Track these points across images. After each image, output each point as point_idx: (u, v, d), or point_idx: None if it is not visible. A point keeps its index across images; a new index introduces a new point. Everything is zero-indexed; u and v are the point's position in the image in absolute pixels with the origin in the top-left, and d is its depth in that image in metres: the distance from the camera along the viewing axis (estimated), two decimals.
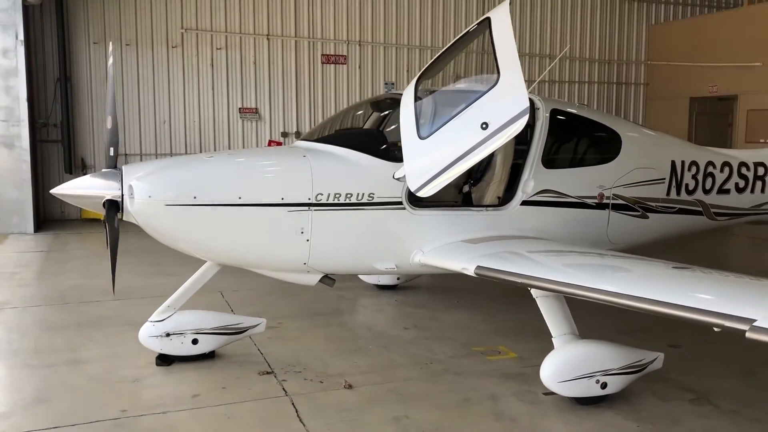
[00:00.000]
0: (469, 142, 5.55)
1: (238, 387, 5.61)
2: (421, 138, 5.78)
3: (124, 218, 5.62)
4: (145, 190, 5.42)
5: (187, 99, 16.06)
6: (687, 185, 7.62)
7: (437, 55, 6.36)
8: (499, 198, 6.63)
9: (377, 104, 7.47)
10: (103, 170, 5.71)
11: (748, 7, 18.39)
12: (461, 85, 6.15)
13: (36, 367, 6.08)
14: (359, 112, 7.27)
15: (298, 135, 16.89)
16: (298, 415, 5.07)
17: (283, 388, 5.57)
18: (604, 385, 5.25)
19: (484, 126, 5.51)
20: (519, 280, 5.12)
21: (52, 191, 5.79)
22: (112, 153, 5.71)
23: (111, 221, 5.48)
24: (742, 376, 5.97)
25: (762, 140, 16.42)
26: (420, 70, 6.27)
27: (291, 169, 5.85)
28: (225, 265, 6.14)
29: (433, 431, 4.84)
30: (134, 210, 5.46)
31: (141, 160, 15.71)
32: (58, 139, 15.07)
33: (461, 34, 6.20)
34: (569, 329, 5.53)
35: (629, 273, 5.18)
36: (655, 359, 5.50)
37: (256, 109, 16.61)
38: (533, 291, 5.68)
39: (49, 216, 15.10)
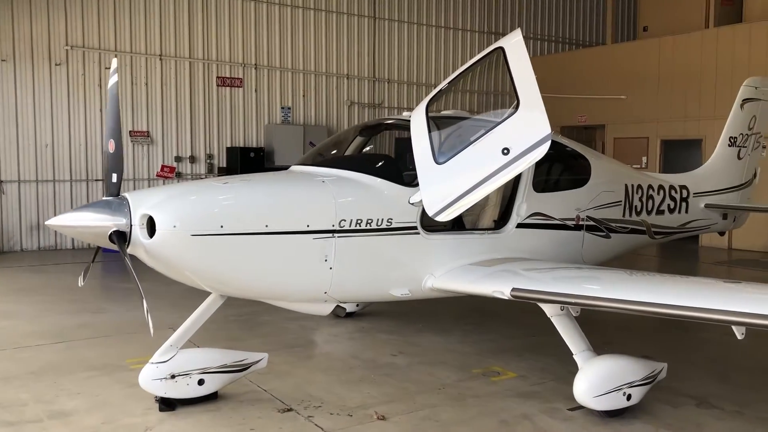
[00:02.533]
0: (490, 167, 5.67)
1: (267, 428, 5.27)
2: (438, 163, 5.83)
3: (130, 251, 5.12)
4: (170, 220, 4.98)
5: (73, 121, 14.85)
6: (636, 207, 8.26)
7: (445, 82, 6.43)
8: (494, 221, 6.81)
9: (371, 129, 7.42)
10: (105, 198, 5.18)
11: (612, 46, 20.27)
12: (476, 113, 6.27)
13: (17, 425, 5.31)
14: (352, 138, 7.15)
15: (192, 159, 16.20)
16: None
17: (318, 425, 5.31)
18: (629, 397, 5.54)
19: (505, 152, 5.66)
20: (561, 300, 5.28)
21: (47, 223, 5.15)
22: (114, 179, 5.20)
23: (125, 254, 4.98)
24: (722, 380, 6.55)
25: (631, 165, 18.10)
26: (427, 96, 6.31)
27: (314, 196, 5.64)
28: (240, 297, 5.76)
29: None
30: (154, 241, 5.00)
31: (19, 186, 14.30)
32: None
33: (470, 62, 6.32)
34: (586, 345, 5.80)
35: (664, 286, 5.49)
36: (662, 369, 5.89)
37: (148, 132, 15.70)
38: (549, 311, 5.89)
39: None
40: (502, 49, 5.94)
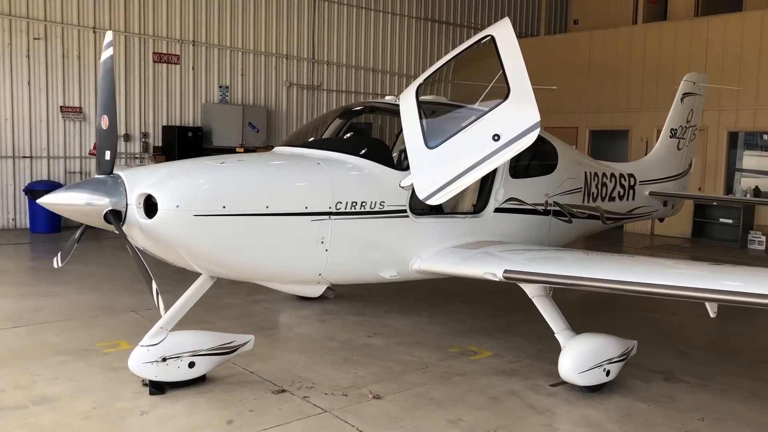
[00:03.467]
0: (481, 152, 5.84)
1: (267, 409, 5.26)
2: (429, 148, 5.94)
3: (126, 231, 4.98)
4: (172, 199, 4.87)
5: None
6: (593, 194, 8.66)
7: (433, 68, 6.51)
8: (473, 206, 6.99)
9: (353, 112, 7.40)
10: (99, 177, 5.00)
11: (545, 38, 20.90)
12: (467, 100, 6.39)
13: (0, 411, 5.07)
14: (332, 120, 7.12)
15: (126, 138, 15.63)
16: (359, 430, 4.93)
17: (316, 405, 5.34)
18: (608, 373, 5.87)
19: (496, 138, 5.84)
20: (554, 280, 5.52)
21: (39, 201, 4.93)
22: (108, 157, 5.04)
23: (124, 233, 4.84)
24: (680, 356, 7.01)
25: None
26: (416, 80, 6.37)
27: (312, 178, 5.63)
28: (233, 279, 5.69)
29: (493, 430, 5.04)
30: (155, 221, 4.87)
31: None
32: None
33: (459, 49, 6.42)
34: (565, 324, 6.09)
35: (653, 266, 5.77)
36: (634, 347, 6.26)
37: (80, 108, 15.00)
38: (531, 291, 6.14)
39: None
40: (492, 37, 6.08)
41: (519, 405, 5.55)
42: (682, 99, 10.70)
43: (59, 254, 5.54)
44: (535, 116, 5.81)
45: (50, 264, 5.71)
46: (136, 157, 15.82)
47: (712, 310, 5.48)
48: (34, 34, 14.26)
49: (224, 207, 5.05)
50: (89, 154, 14.99)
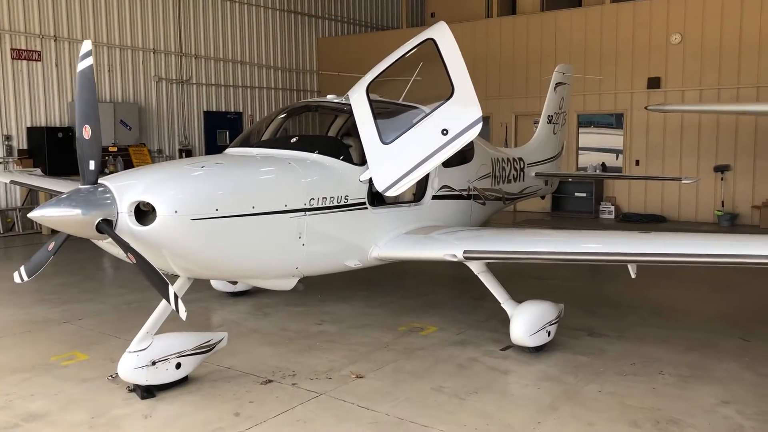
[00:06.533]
0: (431, 146, 6.45)
1: (264, 398, 5.53)
2: (384, 143, 6.46)
3: (107, 240, 5.04)
4: (171, 205, 4.99)
5: None
6: (497, 177, 9.57)
7: (377, 70, 6.91)
8: (413, 195, 7.57)
9: (297, 110, 7.65)
10: (85, 187, 5.01)
11: (406, 30, 21.80)
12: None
13: None
14: (275, 117, 7.35)
15: None
16: (360, 407, 5.37)
17: (309, 390, 5.70)
18: (549, 334, 6.73)
19: (444, 132, 6.46)
20: (513, 257, 6.26)
21: (30, 215, 4.85)
22: (92, 167, 5.05)
23: (122, 242, 4.90)
24: (591, 315, 8.07)
25: None
26: (362, 82, 6.79)
27: (288, 177, 5.91)
28: (218, 278, 5.85)
29: (474, 392, 5.68)
30: (152, 228, 4.98)
31: None
32: None
33: (401, 52, 6.89)
34: (508, 295, 6.89)
35: (587, 237, 6.67)
36: (562, 309, 7.18)
37: None
38: (476, 268, 6.86)
39: None
40: (433, 40, 6.66)
41: (484, 369, 6.25)
42: (555, 88, 11.95)
43: (22, 268, 5.42)
44: (478, 112, 6.48)
45: None
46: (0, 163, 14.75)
47: (632, 270, 6.46)
48: None
49: (217, 210, 5.23)
50: None
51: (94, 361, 6.48)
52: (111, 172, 15.69)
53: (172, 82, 18.10)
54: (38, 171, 13.34)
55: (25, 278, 5.40)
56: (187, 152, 18.34)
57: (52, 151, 14.73)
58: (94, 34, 16.22)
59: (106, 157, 16.17)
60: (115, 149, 16.02)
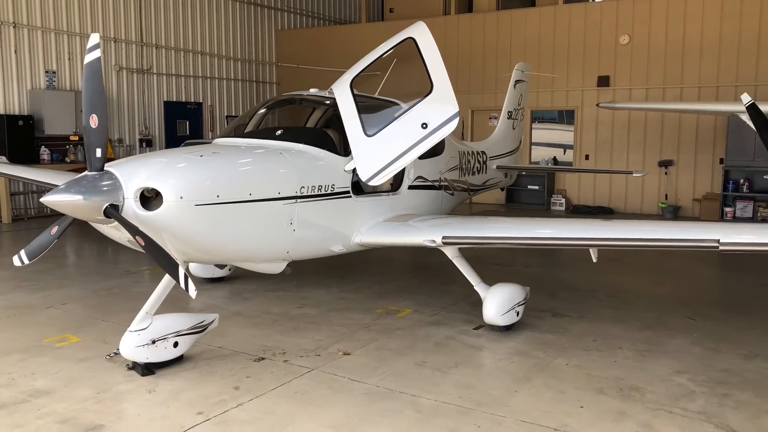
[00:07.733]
0: (412, 138, 6.90)
1: (260, 374, 5.89)
2: (368, 136, 6.88)
3: (111, 225, 5.32)
4: (176, 191, 5.30)
5: None
6: (464, 169, 10.09)
7: (359, 67, 7.28)
8: (391, 184, 8.00)
9: (279, 103, 7.96)
10: (92, 173, 5.27)
11: (365, 25, 22.18)
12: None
13: (6, 407, 5.17)
14: (258, 109, 7.67)
15: None
16: (351, 380, 5.78)
17: (301, 366, 6.08)
18: (518, 314, 7.27)
19: (424, 126, 6.92)
20: (488, 242, 6.75)
21: (42, 200, 5.09)
22: (99, 154, 5.31)
23: (130, 225, 5.18)
24: (552, 298, 8.67)
25: None
26: (344, 78, 7.17)
27: (280, 165, 6.27)
28: (214, 262, 6.15)
29: (454, 366, 6.17)
30: (158, 213, 5.27)
31: None
32: None
33: (381, 50, 7.29)
34: (479, 278, 7.40)
35: (554, 224, 7.19)
36: (528, 292, 7.73)
37: None
38: (450, 254, 7.35)
39: None
40: (413, 39, 7.09)
41: (460, 346, 6.74)
42: (514, 85, 12.54)
43: (23, 251, 5.62)
44: (455, 107, 6.96)
45: None
46: None
47: (594, 254, 7.05)
48: None
49: (218, 196, 5.56)
50: None
51: (87, 342, 6.70)
52: (71, 161, 15.69)
53: (133, 71, 18.05)
54: (3, 159, 13.24)
55: (26, 261, 5.59)
56: (147, 142, 18.33)
57: (12, 138, 14.60)
58: (54, 21, 16.07)
59: (67, 146, 16.10)
60: (76, 138, 15.93)
